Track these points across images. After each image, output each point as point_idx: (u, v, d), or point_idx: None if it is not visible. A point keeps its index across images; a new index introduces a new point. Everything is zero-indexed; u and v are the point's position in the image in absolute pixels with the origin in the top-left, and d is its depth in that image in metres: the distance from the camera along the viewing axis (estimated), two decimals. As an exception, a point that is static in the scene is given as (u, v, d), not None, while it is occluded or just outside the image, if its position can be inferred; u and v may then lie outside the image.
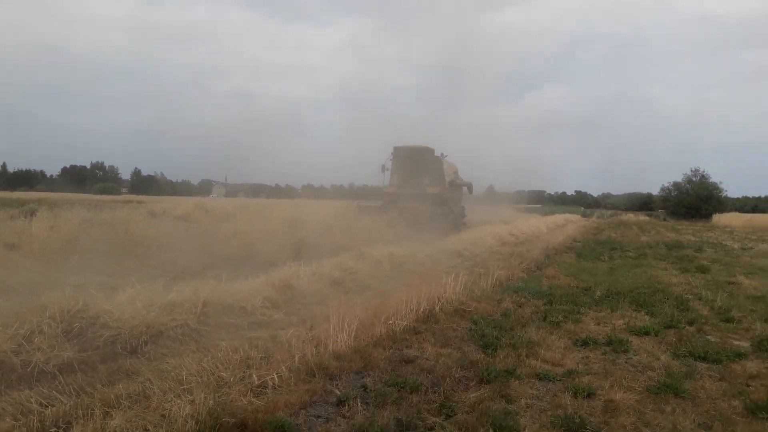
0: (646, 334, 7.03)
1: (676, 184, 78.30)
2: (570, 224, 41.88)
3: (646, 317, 8.18)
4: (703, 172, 76.28)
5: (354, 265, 10.00)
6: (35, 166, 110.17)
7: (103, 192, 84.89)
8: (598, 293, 10.60)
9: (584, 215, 69.60)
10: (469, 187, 30.80)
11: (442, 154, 25.99)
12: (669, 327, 7.43)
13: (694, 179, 76.33)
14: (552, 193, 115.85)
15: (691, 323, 7.79)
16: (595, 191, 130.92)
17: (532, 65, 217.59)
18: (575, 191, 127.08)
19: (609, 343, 6.50)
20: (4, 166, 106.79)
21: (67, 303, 5.31)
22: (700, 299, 10.01)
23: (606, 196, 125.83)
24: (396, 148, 24.58)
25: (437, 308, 7.03)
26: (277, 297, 7.45)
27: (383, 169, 24.27)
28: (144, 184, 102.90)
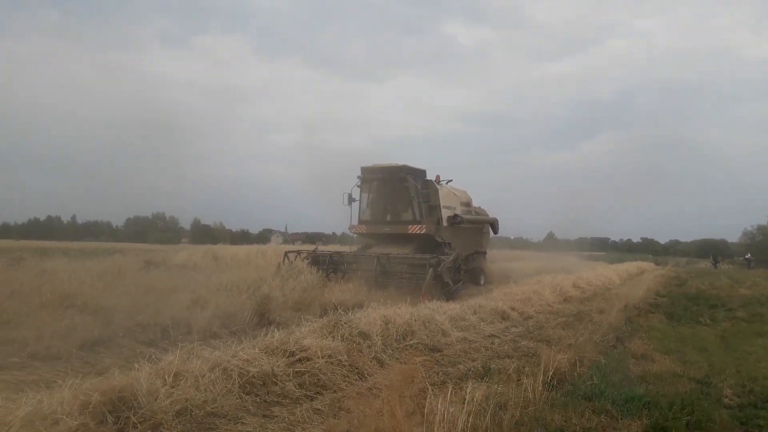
0: None
1: (761, 228, 70.54)
2: (645, 273, 36.28)
3: None
4: (791, 213, 68.27)
5: (314, 343, 5.98)
6: (103, 217, 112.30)
7: (161, 242, 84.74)
8: (728, 392, 6.41)
9: (657, 263, 62.74)
10: (493, 224, 22.61)
11: (438, 178, 18.43)
12: None
13: (780, 222, 68.40)
14: (617, 240, 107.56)
15: None
16: (662, 238, 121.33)
17: (588, 112, 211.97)
18: (641, 238, 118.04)
19: None
20: (74, 217, 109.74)
21: None
22: None
23: (675, 243, 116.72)
24: (364, 170, 17.25)
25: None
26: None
27: (350, 200, 17.13)
28: (202, 234, 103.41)
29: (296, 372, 5.41)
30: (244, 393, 4.77)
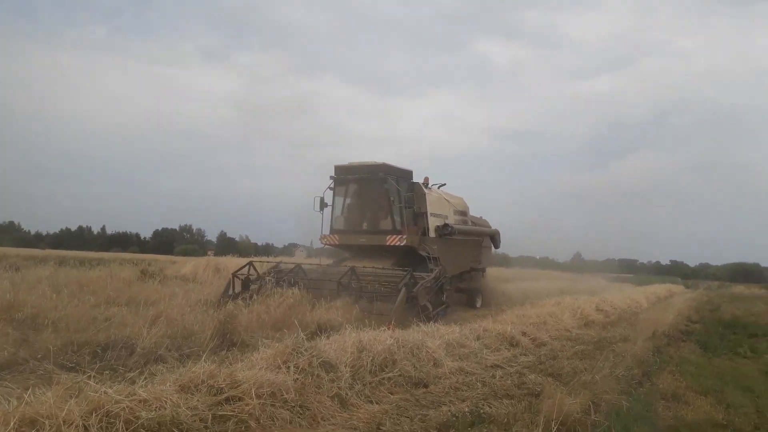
0: None
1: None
2: (675, 296, 34.26)
3: None
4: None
5: (251, 376, 4.73)
6: (132, 228, 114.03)
7: (185, 253, 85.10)
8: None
9: (687, 286, 60.07)
10: (494, 237, 19.68)
11: (426, 180, 15.67)
12: None
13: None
14: (645, 262, 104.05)
15: None
16: (691, 261, 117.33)
17: (621, 131, 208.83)
18: (670, 260, 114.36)
19: None
20: (104, 228, 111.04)
21: None
22: None
23: (705, 266, 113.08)
24: (338, 169, 14.81)
25: None
26: None
27: (321, 205, 14.77)
28: (227, 246, 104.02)
29: (218, 417, 4.15)
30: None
